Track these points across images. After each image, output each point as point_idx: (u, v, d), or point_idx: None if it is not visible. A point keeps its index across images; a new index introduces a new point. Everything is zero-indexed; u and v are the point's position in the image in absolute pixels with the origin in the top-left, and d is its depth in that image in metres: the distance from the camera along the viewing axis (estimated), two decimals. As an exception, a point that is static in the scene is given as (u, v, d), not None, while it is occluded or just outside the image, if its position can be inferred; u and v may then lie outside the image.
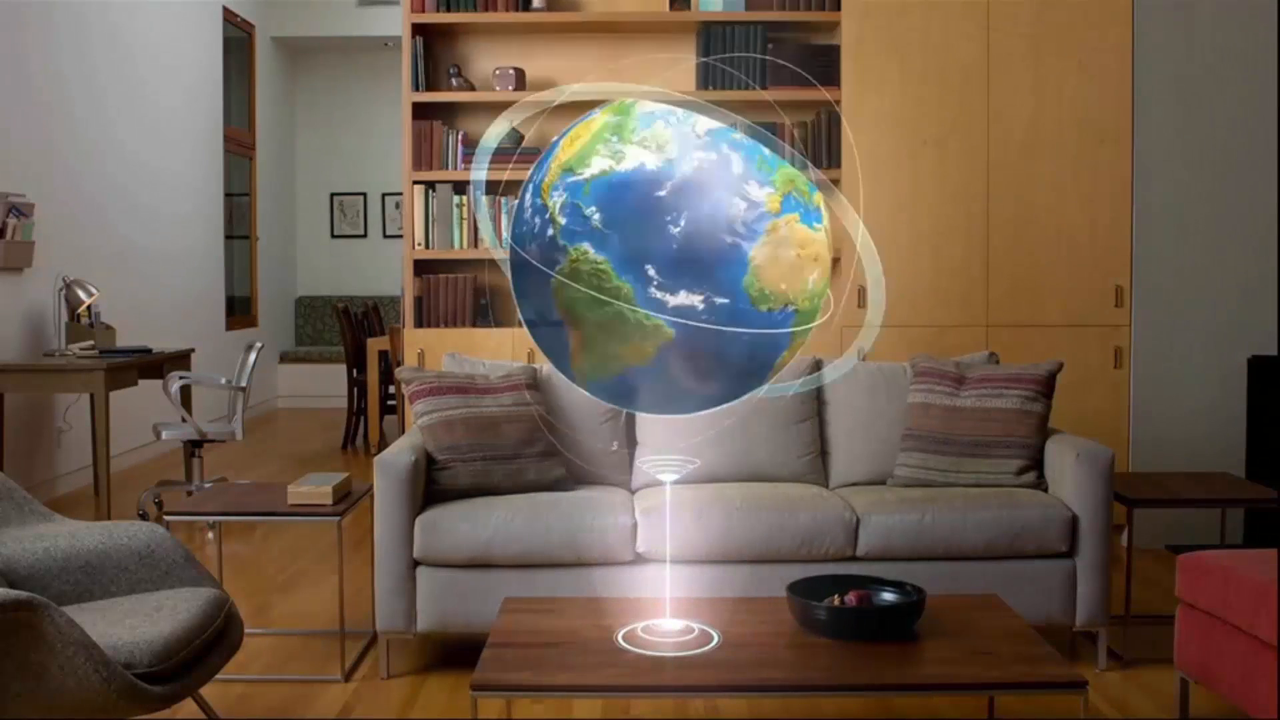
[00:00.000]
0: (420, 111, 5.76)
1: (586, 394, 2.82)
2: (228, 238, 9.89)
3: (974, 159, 5.57)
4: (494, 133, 2.93)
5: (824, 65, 5.69)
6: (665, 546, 3.48)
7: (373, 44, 10.93)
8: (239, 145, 10.14)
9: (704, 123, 2.61)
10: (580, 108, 2.86)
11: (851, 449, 4.29)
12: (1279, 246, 5.30)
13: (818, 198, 2.63)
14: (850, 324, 5.56)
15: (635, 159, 2.54)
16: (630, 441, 4.27)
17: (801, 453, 4.21)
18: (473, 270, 5.79)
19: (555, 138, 2.66)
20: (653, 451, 4.04)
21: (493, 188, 5.72)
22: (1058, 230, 5.55)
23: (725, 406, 2.80)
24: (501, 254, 2.63)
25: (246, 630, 3.32)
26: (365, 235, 11.85)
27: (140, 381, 6.37)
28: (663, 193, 2.53)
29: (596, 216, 2.52)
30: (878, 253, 5.54)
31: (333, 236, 11.89)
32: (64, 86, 6.94)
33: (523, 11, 5.73)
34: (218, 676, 3.08)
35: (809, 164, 2.71)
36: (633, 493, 4.08)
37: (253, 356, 6.18)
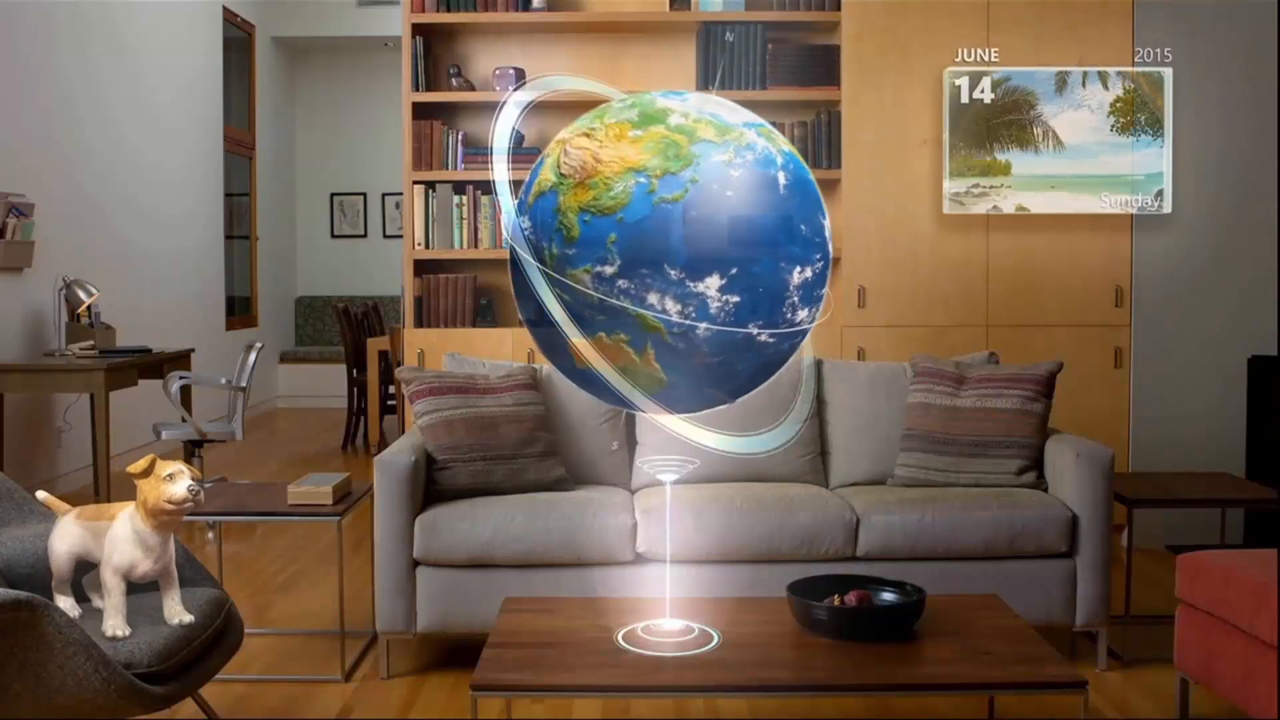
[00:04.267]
0: (420, 111, 5.76)
1: (586, 394, 2.82)
2: (228, 238, 9.89)
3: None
4: (503, 132, 2.94)
5: (824, 65, 5.69)
6: (665, 546, 3.48)
7: (373, 44, 10.92)
8: (239, 145, 10.13)
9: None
10: (579, 107, 2.86)
11: (851, 449, 4.29)
12: (1279, 246, 5.30)
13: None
14: (851, 324, 5.57)
15: None
16: (630, 441, 4.27)
17: (801, 453, 4.21)
18: (473, 270, 5.79)
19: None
20: (653, 451, 4.04)
21: (484, 187, 5.73)
22: (1058, 230, 5.55)
23: (722, 408, 2.80)
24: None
25: (246, 630, 3.32)
26: (365, 235, 11.85)
27: (140, 381, 6.37)
28: None
29: None
30: (878, 252, 5.57)
31: (333, 236, 11.89)
32: (64, 87, 6.94)
33: (523, 11, 5.73)
34: (218, 676, 3.08)
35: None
36: (633, 493, 4.08)
37: (253, 356, 6.18)
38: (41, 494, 3.04)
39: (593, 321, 2.58)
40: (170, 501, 2.79)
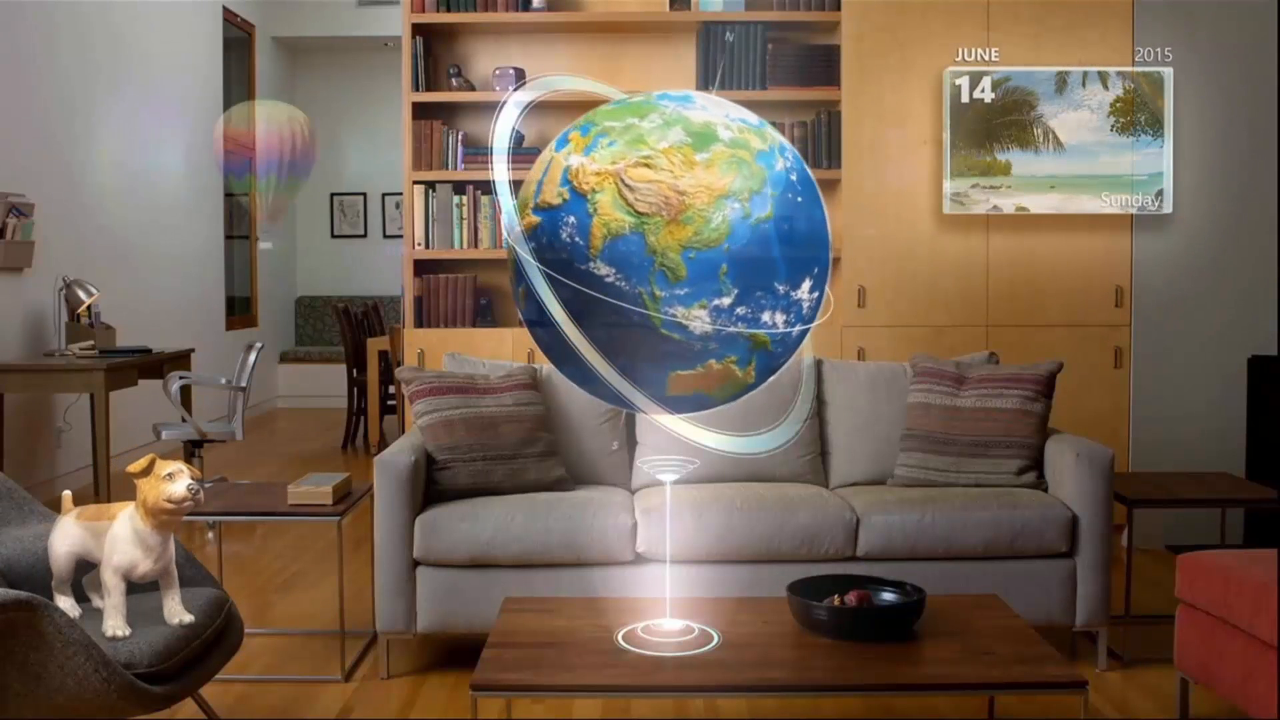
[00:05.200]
0: (420, 111, 5.76)
1: (586, 394, 2.82)
2: (228, 238, 9.89)
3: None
4: (503, 132, 2.94)
5: (824, 65, 5.69)
6: (665, 546, 3.48)
7: (373, 44, 10.92)
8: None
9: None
10: (579, 107, 2.86)
11: (851, 449, 4.29)
12: (1279, 246, 5.30)
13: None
14: (851, 324, 5.56)
15: None
16: (630, 441, 4.27)
17: (801, 453, 4.21)
18: (473, 270, 5.79)
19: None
20: (653, 451, 4.04)
21: (484, 187, 5.73)
22: (1058, 230, 5.55)
23: (722, 408, 2.80)
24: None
25: (246, 630, 3.32)
26: (365, 235, 11.85)
27: (140, 381, 6.37)
28: None
29: None
30: (878, 252, 5.57)
31: (333, 236, 11.89)
32: (64, 87, 6.93)
33: (523, 11, 5.73)
34: (218, 676, 3.08)
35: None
36: (633, 493, 4.08)
37: (253, 356, 6.18)
38: (67, 493, 3.04)
39: (705, 351, 2.56)
40: (170, 500, 2.79)
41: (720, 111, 2.66)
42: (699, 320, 2.52)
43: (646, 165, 2.52)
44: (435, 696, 3.64)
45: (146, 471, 2.81)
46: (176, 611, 2.88)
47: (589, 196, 2.53)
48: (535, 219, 2.59)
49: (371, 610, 3.82)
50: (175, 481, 2.79)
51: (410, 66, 5.72)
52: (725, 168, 2.54)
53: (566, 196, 2.55)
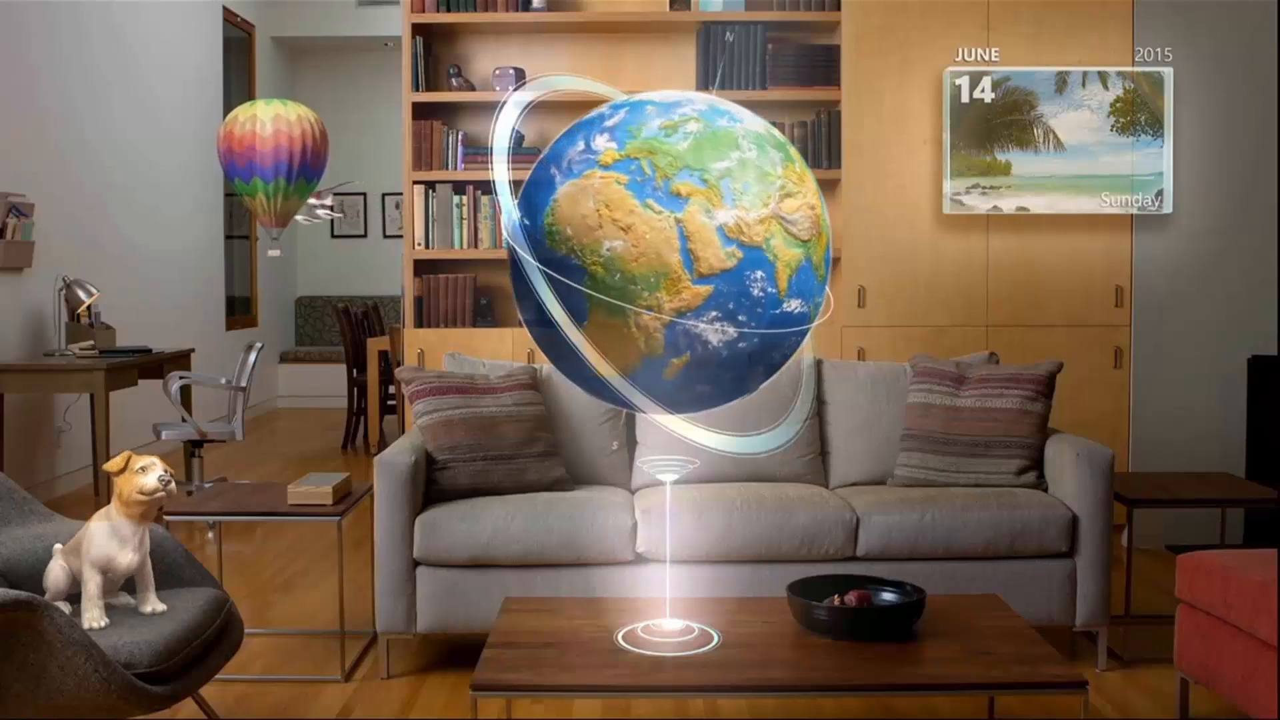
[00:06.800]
0: (420, 111, 5.76)
1: (586, 394, 2.82)
2: (228, 238, 9.89)
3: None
4: (503, 132, 2.94)
5: (824, 65, 5.69)
6: (665, 546, 3.48)
7: (373, 44, 10.92)
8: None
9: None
10: (579, 107, 2.86)
11: (851, 449, 4.29)
12: (1279, 246, 5.31)
13: (686, 190, 2.55)
14: (851, 324, 5.56)
15: None
16: (630, 441, 4.27)
17: (801, 453, 4.21)
18: (473, 270, 5.79)
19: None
20: (653, 451, 4.04)
21: (484, 187, 5.73)
22: (1058, 230, 5.55)
23: (721, 408, 2.80)
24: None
25: (246, 630, 3.32)
26: (365, 235, 11.85)
27: (140, 381, 6.37)
28: None
29: None
30: (878, 252, 5.57)
31: (333, 236, 11.89)
32: (64, 87, 6.94)
33: (523, 11, 5.73)
34: (218, 676, 3.08)
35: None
36: (633, 493, 4.08)
37: (253, 356, 6.18)
38: (58, 546, 3.05)
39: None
40: (142, 493, 2.91)
41: (750, 115, 2.73)
42: (829, 304, 2.77)
43: (788, 195, 2.62)
44: (435, 696, 3.64)
45: (123, 469, 2.93)
46: (149, 600, 2.97)
47: (764, 245, 2.57)
48: (704, 288, 2.56)
49: (371, 610, 3.82)
50: (147, 474, 2.93)
51: (410, 66, 5.72)
52: (806, 170, 2.71)
53: (740, 255, 2.56)
